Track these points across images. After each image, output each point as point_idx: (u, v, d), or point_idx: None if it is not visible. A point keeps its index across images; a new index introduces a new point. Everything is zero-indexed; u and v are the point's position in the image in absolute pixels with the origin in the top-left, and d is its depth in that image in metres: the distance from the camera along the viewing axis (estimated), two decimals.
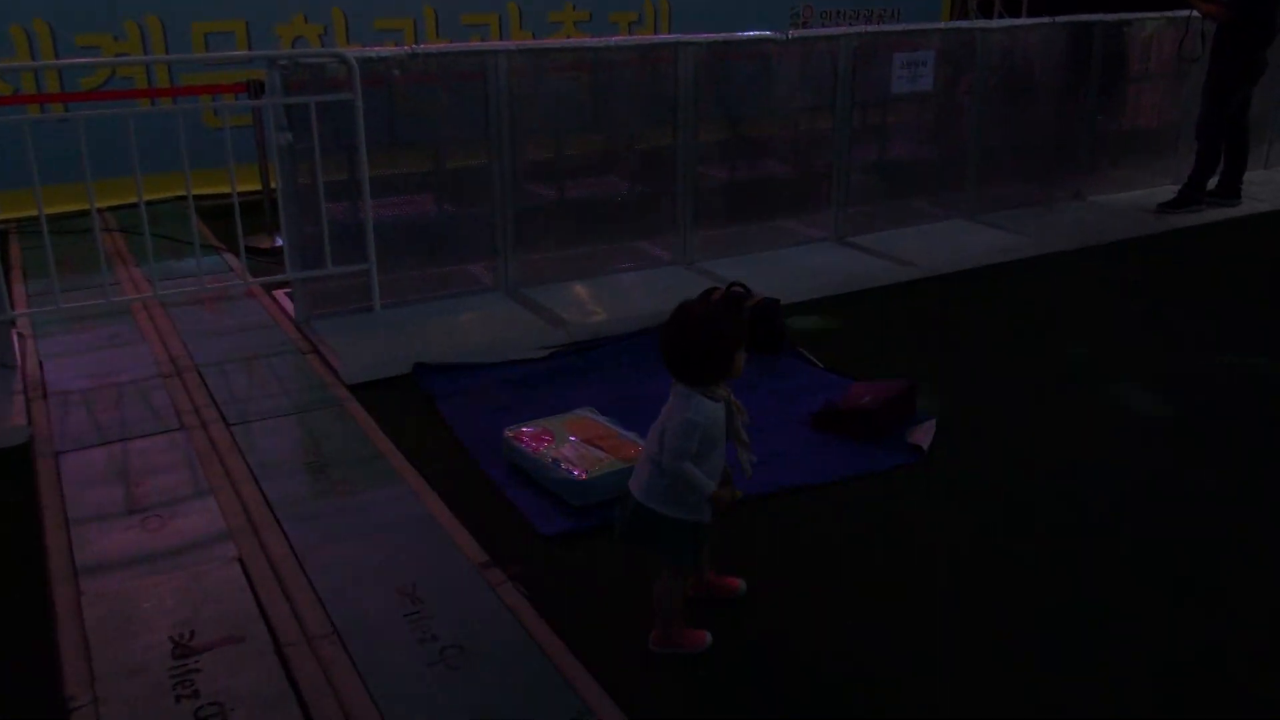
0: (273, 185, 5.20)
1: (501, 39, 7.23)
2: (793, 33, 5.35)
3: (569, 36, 7.48)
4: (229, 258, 5.38)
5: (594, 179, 5.31)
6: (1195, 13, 6.29)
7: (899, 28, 7.51)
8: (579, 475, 2.94)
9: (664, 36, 7.13)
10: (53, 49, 6.06)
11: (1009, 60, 6.12)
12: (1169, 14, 6.60)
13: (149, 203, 4.38)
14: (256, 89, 5.24)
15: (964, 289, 5.14)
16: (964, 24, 6.93)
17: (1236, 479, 3.19)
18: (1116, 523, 2.91)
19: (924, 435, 3.39)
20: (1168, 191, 6.67)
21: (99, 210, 4.47)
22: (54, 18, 6.05)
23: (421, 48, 4.49)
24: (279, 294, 4.78)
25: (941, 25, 7.35)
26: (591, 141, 5.34)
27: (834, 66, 5.46)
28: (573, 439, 3.15)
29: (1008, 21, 6.55)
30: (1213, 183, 6.54)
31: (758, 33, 5.25)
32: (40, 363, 4.05)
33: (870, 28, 7.30)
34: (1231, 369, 4.10)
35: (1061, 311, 4.82)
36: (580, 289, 4.89)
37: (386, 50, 4.37)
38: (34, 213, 4.17)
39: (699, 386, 2.17)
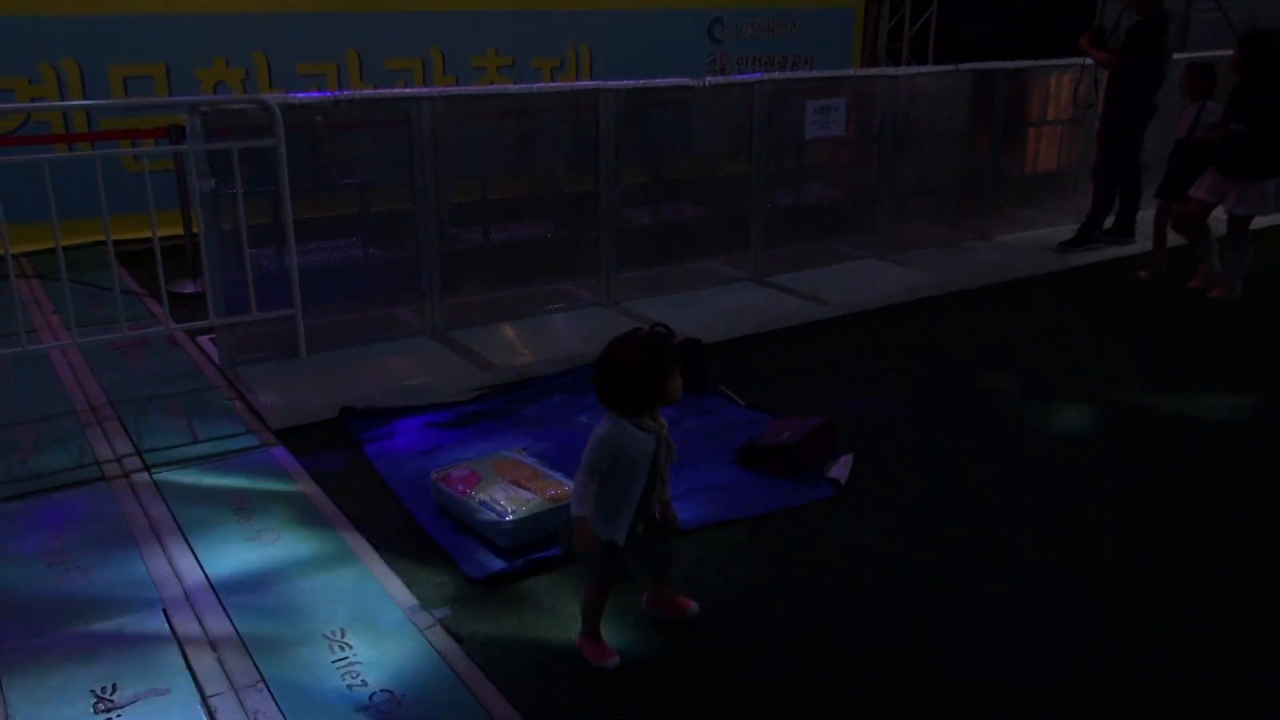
0: (195, 230, 5.14)
1: (425, 83, 7.26)
2: (709, 79, 5.48)
3: (492, 82, 7.54)
4: (150, 303, 5.28)
5: (519, 222, 5.34)
6: (1089, 61, 6.59)
7: (812, 74, 7.73)
8: (506, 517, 2.95)
9: (585, 83, 7.23)
10: None
11: (916, 106, 6.33)
12: (1065, 62, 6.90)
13: (67, 248, 4.29)
14: (177, 134, 5.19)
15: (877, 326, 5.27)
16: (873, 71, 7.16)
17: (1132, 506, 3.33)
18: (1024, 546, 3.02)
19: (842, 469, 3.47)
20: (1067, 230, 6.94)
21: (14, 256, 4.37)
22: None
23: (345, 94, 4.51)
24: (203, 340, 4.71)
25: (852, 73, 7.59)
26: (516, 185, 5.40)
27: (749, 112, 5.60)
28: (500, 480, 3.16)
29: (915, 69, 6.78)
30: (1109, 221, 6.83)
31: (676, 79, 5.36)
32: None
33: (783, 75, 7.49)
34: (1125, 400, 4.28)
35: (969, 346, 4.98)
36: (507, 330, 4.92)
37: (309, 96, 4.37)
38: None
39: (629, 416, 2.23)
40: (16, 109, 5.96)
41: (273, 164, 4.24)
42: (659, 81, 5.38)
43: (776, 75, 6.28)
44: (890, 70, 6.46)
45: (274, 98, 4.22)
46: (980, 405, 4.23)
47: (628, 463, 2.24)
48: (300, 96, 4.32)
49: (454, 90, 5.45)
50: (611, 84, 5.10)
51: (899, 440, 3.82)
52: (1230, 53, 5.70)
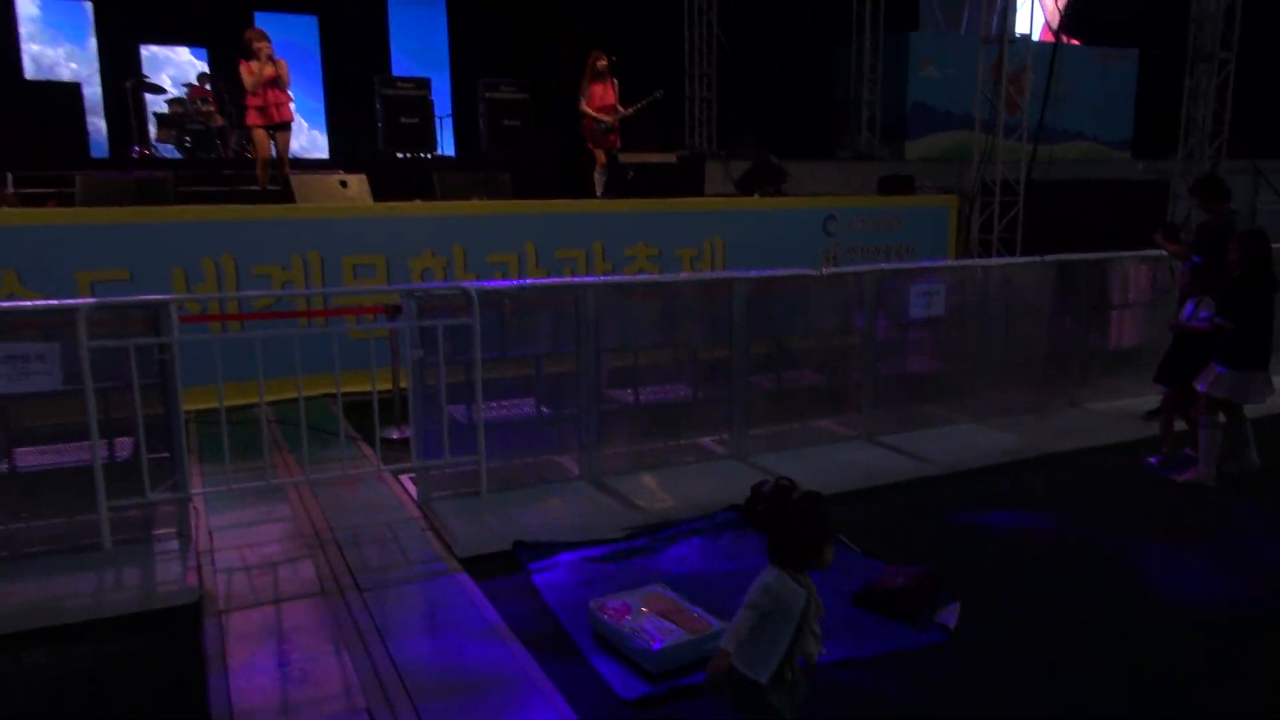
0: (402, 386, 5.49)
1: (588, 270, 7.66)
2: (826, 269, 5.63)
3: (641, 269, 7.90)
4: (364, 446, 5.61)
5: (663, 385, 5.52)
6: (1164, 251, 6.49)
7: (914, 265, 7.81)
8: (654, 645, 2.98)
9: (719, 273, 7.49)
10: (235, 277, 6.56)
11: (1007, 290, 6.33)
12: (1140, 254, 6.81)
13: (295, 400, 4.65)
14: (394, 311, 5.61)
15: (976, 484, 5.15)
16: (969, 262, 7.19)
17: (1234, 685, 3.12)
18: (1118, 696, 2.86)
19: (951, 615, 3.38)
20: (1152, 399, 6.68)
21: (256, 405, 4.76)
22: (237, 252, 6.57)
23: (527, 282, 4.83)
24: (404, 478, 4.96)
25: (951, 263, 7.65)
26: (661, 354, 5.60)
27: (860, 296, 5.70)
28: (647, 612, 3.20)
29: (1004, 260, 6.79)
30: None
31: (797, 270, 5.53)
32: (210, 533, 4.23)
33: (889, 265, 7.59)
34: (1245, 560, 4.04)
35: (1061, 506, 4.80)
36: (652, 479, 5.01)
37: (500, 284, 4.71)
38: (210, 404, 4.46)
39: (789, 569, 2.27)
40: (270, 295, 6.53)
41: (468, 337, 4.56)
42: (782, 272, 5.56)
43: (883, 266, 6.39)
44: (983, 261, 6.49)
45: (472, 285, 4.56)
46: (1075, 557, 4.06)
47: (784, 611, 2.26)
48: (492, 285, 4.66)
49: (613, 279, 5.76)
50: (741, 274, 5.30)
51: (1000, 591, 3.69)
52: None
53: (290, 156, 9.01)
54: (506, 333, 4.91)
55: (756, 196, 9.27)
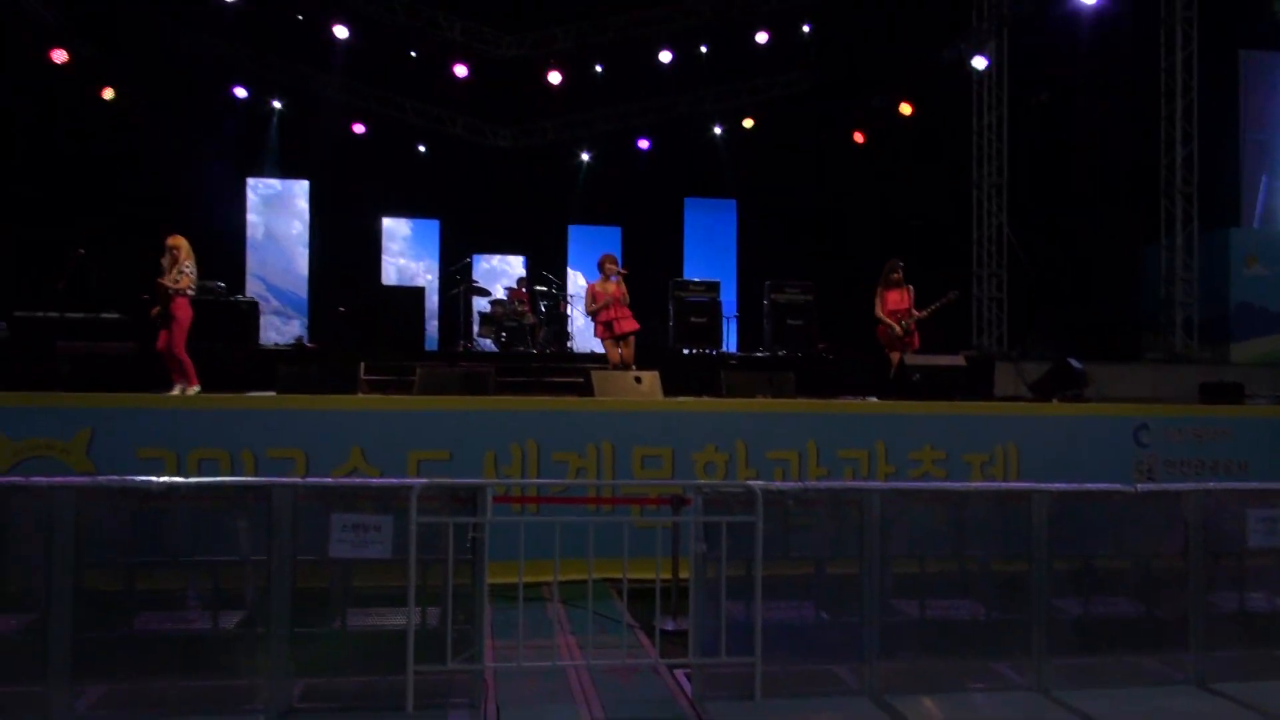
0: (681, 576, 5.62)
1: (869, 471, 7.56)
2: (1141, 485, 5.19)
3: (926, 472, 7.67)
4: (641, 635, 5.74)
5: (952, 600, 5.22)
6: None
7: (1252, 486, 6.96)
8: None
9: (1016, 485, 7.08)
10: (536, 461, 7.17)
11: None
12: None
13: (582, 581, 4.90)
14: (678, 503, 5.85)
15: None
16: None
17: None
18: None
19: None
20: None
21: (544, 583, 5.07)
22: (541, 439, 7.19)
23: (812, 484, 4.89)
24: (679, 673, 5.00)
25: None
26: (950, 565, 5.34)
27: (1184, 517, 5.16)
28: None
29: None
30: None
31: (1107, 485, 5.15)
32: (498, 708, 4.48)
33: (1219, 485, 6.82)
34: None
35: None
36: (933, 703, 4.69)
37: (784, 485, 4.80)
38: (505, 580, 4.83)
39: None
40: (566, 483, 7.03)
41: (750, 536, 4.65)
42: (1090, 487, 5.19)
43: (1211, 485, 5.78)
44: None
45: (758, 485, 4.68)
46: None
47: None
48: (777, 486, 4.76)
49: (900, 484, 5.65)
50: (1042, 487, 5.02)
51: None
52: None
53: (586, 353, 10.00)
54: (789, 532, 4.94)
55: (1054, 402, 8.81)
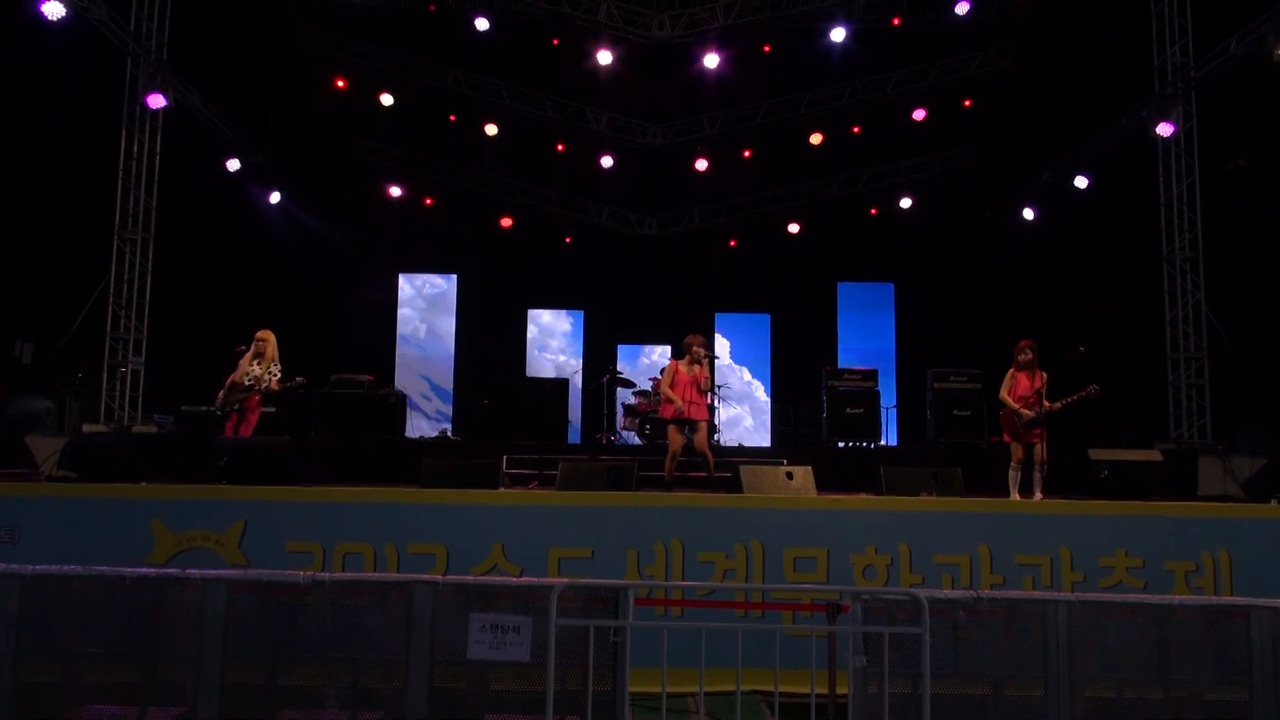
0: (840, 692, 5.36)
1: (1052, 579, 7.07)
2: None
3: (1120, 581, 7.11)
4: None
5: None
6: None
7: None
8: None
9: (1231, 600, 6.46)
10: (681, 561, 7.09)
11: None
12: None
13: (730, 693, 4.74)
14: (834, 610, 5.63)
15: None
16: None
17: None
18: None
19: None
20: None
21: (689, 694, 4.93)
22: (685, 537, 7.12)
23: (986, 593, 4.62)
24: None
25: None
26: (1151, 690, 4.87)
27: None
28: None
29: None
30: None
31: None
32: None
33: None
34: None
35: None
36: None
37: (954, 593, 4.55)
38: (649, 688, 4.73)
39: None
40: (711, 586, 6.88)
41: (916, 648, 4.40)
42: None
43: None
44: None
45: (924, 592, 4.47)
46: None
47: None
48: (946, 594, 4.52)
49: (1090, 596, 5.25)
50: (1265, 602, 4.55)
51: None
52: None
53: (735, 445, 9.88)
54: (959, 646, 4.66)
55: (1273, 503, 8.06)
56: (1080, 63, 14.48)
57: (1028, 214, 15.38)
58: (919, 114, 15.94)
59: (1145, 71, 13.45)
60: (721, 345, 17.01)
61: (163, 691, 4.86)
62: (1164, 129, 12.92)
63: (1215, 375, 13.05)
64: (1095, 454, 8.57)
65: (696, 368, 9.69)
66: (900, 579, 6.99)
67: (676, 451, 9.57)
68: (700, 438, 9.65)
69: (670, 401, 9.67)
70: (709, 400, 10.28)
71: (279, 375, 9.35)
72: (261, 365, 9.27)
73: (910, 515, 7.31)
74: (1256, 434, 11.35)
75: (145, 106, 12.36)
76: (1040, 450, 9.09)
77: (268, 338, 9.40)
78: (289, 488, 7.39)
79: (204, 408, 10.35)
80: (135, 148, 12.61)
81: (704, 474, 10.00)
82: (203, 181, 13.94)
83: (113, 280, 12.42)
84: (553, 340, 17.21)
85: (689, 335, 9.95)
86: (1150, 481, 8.47)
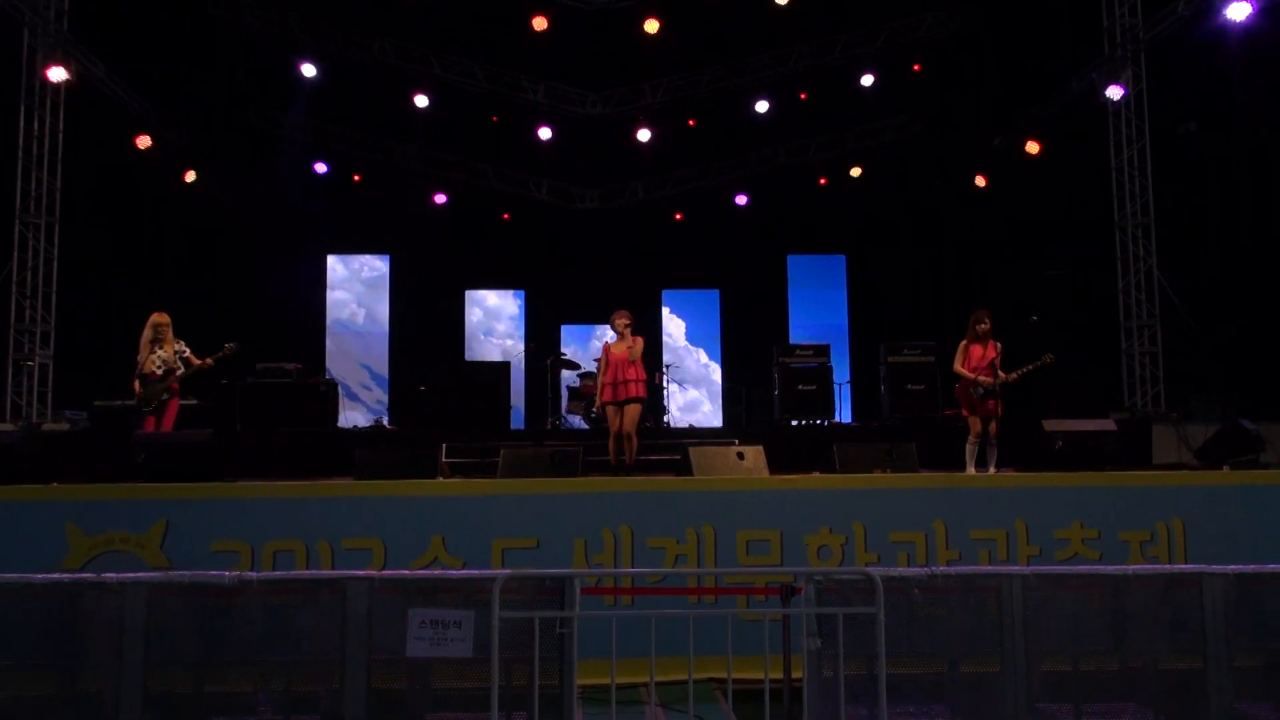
0: (795, 676, 5.42)
1: (1008, 553, 7.22)
2: None
3: (1075, 554, 7.29)
4: None
5: (1112, 704, 4.90)
6: None
7: None
8: None
9: (1185, 567, 6.66)
10: (630, 548, 7.11)
11: None
12: None
13: (682, 682, 4.78)
14: (788, 593, 5.69)
15: None
16: None
17: None
18: None
19: None
20: None
21: (640, 684, 4.96)
22: (634, 524, 7.14)
23: (940, 570, 4.70)
24: None
25: None
26: (1108, 663, 5.02)
27: None
28: None
29: None
30: None
31: None
32: None
33: None
34: None
35: None
36: None
37: (909, 570, 4.63)
38: (597, 680, 4.74)
39: None
40: (663, 572, 6.91)
41: (872, 628, 4.47)
42: (1275, 568, 4.83)
43: None
44: None
45: (879, 571, 4.53)
46: None
47: None
48: (901, 572, 4.60)
49: (1045, 569, 5.40)
50: (1216, 568, 4.70)
51: None
52: None
53: (684, 426, 9.89)
54: (915, 625, 4.74)
55: (1225, 469, 8.32)
56: (1030, 25, 14.68)
57: (979, 181, 15.62)
58: (868, 79, 16.04)
59: (1095, 33, 13.69)
60: (677, 326, 17.05)
61: (82, 704, 4.74)
62: (1114, 91, 13.18)
63: (1169, 342, 13.42)
64: (1049, 425, 8.74)
65: (626, 344, 9.61)
66: (856, 558, 7.09)
67: (617, 432, 9.51)
68: (629, 419, 9.50)
69: (608, 385, 9.62)
70: (656, 377, 10.23)
71: (189, 351, 9.15)
72: (166, 349, 9.05)
73: (864, 493, 7.41)
74: (1209, 401, 11.69)
75: (45, 81, 11.96)
76: (993, 423, 9.26)
77: (165, 320, 9.16)
78: (213, 484, 7.25)
79: (119, 402, 10.12)
80: (36, 125, 12.22)
81: (656, 456, 10.03)
82: (111, 161, 13.55)
83: (15, 268, 12.04)
84: (499, 324, 17.09)
85: (614, 313, 9.90)
86: (1105, 451, 8.67)
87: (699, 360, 16.92)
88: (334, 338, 16.68)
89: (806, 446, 10.73)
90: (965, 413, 9.40)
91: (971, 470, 9.12)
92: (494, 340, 16.97)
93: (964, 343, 9.45)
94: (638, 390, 9.54)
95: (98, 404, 10.83)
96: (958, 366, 9.43)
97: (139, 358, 9.01)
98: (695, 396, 16.54)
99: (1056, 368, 9.26)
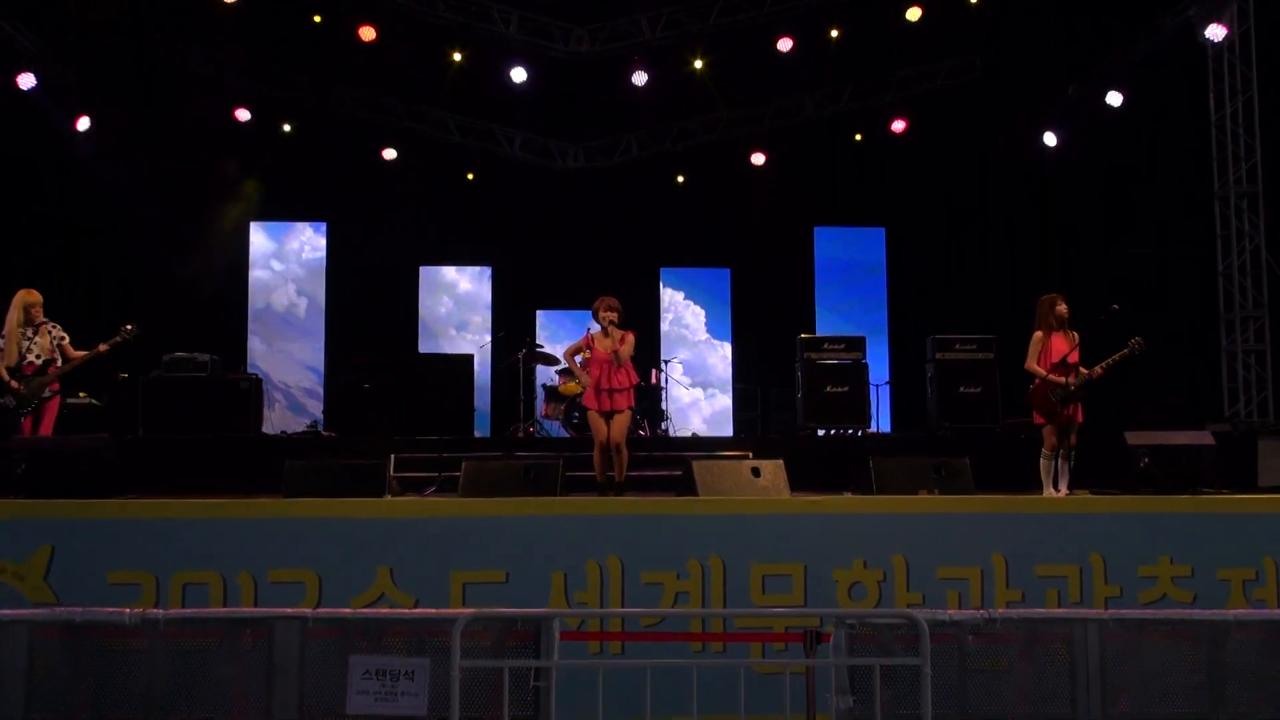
0: None
1: (1081, 593, 7.26)
2: None
3: (1163, 594, 7.33)
4: None
5: None
6: None
7: None
8: None
9: None
10: (620, 584, 7.12)
11: None
12: None
13: None
14: (813, 639, 5.71)
15: None
16: None
17: None
18: None
19: None
20: None
21: None
22: (625, 555, 7.15)
23: (999, 613, 4.73)
24: None
25: None
26: None
27: None
28: None
29: None
30: None
31: None
32: None
33: None
34: None
35: None
36: None
37: (960, 614, 4.65)
38: None
39: None
40: (660, 613, 6.92)
41: (914, 683, 4.50)
42: None
43: None
44: None
45: (924, 614, 4.55)
46: None
47: None
48: (951, 615, 4.63)
49: (1129, 613, 5.44)
50: None
51: None
52: None
53: (688, 436, 9.91)
54: (967, 680, 4.78)
55: None
56: None
57: (1049, 139, 15.65)
58: (914, 12, 16.03)
59: None
60: (695, 315, 17.04)
61: None
62: (1215, 31, 13.20)
63: (1276, 343, 13.47)
64: (1133, 438, 8.79)
65: (612, 342, 9.44)
66: (896, 598, 7.11)
67: (604, 443, 9.43)
68: (617, 430, 9.44)
69: (590, 390, 9.52)
70: (653, 376, 10.22)
71: (67, 338, 9.13)
72: (43, 337, 9.03)
73: (907, 519, 7.44)
74: None
75: None
76: (1073, 434, 9.27)
77: (37, 299, 9.11)
78: (109, 501, 7.25)
79: None
80: None
81: (652, 471, 10.06)
82: None
83: None
84: (461, 308, 17.08)
85: (597, 299, 9.79)
86: (1200, 471, 8.73)
87: (724, 356, 16.89)
88: (258, 323, 16.66)
89: (836, 461, 10.77)
90: (1040, 420, 9.36)
91: (1050, 492, 9.11)
92: (455, 329, 16.97)
93: (1039, 333, 9.33)
94: (627, 400, 9.50)
95: None
96: (1032, 364, 9.35)
97: (3, 346, 8.96)
98: (697, 396, 16.59)
99: (1143, 368, 9.30)
